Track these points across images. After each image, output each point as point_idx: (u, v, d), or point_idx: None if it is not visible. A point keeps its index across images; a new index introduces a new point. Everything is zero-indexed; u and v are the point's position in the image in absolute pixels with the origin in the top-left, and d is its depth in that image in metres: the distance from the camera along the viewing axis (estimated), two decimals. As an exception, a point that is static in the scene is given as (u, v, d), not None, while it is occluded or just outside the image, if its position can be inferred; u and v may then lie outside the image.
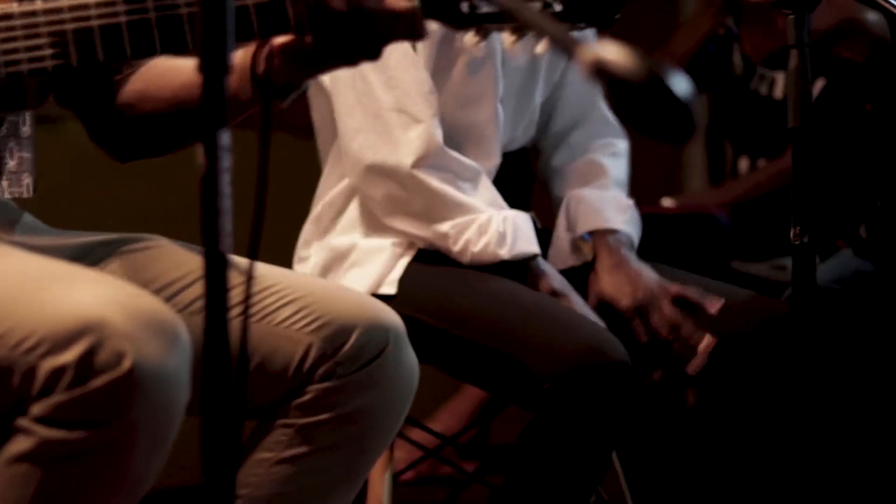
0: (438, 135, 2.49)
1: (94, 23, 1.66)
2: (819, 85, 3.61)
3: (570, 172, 2.71)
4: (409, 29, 1.69)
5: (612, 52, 1.08)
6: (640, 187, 2.83)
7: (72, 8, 1.67)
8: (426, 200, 2.48)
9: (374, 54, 1.72)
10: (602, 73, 1.08)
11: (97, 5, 1.67)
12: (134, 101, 1.94)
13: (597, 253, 2.59)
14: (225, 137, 1.34)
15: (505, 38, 1.66)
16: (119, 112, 1.94)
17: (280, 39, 1.72)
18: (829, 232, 3.57)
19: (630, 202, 2.66)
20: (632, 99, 1.07)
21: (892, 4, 2.11)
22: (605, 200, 2.63)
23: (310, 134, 2.68)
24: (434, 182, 2.47)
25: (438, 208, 2.48)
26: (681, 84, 1.08)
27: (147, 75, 1.94)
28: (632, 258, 2.58)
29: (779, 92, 3.90)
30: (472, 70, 2.53)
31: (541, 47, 1.57)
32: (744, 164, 3.89)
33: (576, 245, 2.62)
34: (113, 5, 1.66)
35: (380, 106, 2.48)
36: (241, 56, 1.75)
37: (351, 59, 1.74)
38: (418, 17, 1.67)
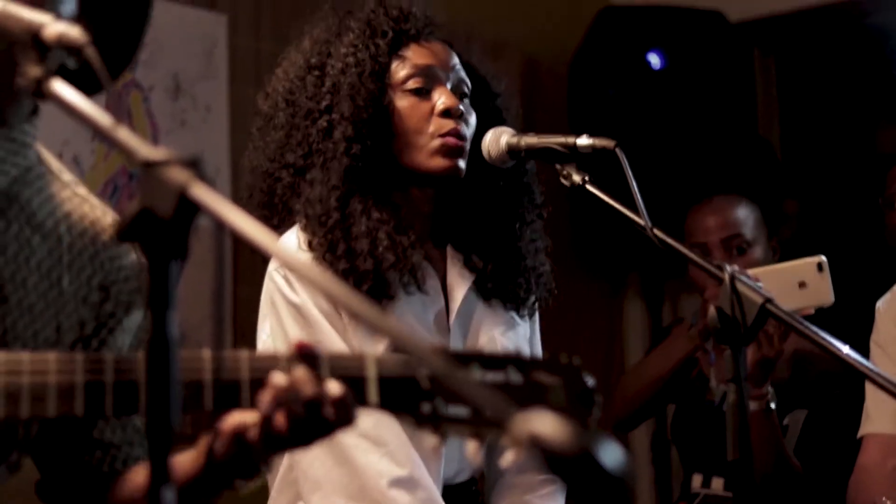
0: (415, 456, 2.51)
1: (52, 378, 1.67)
2: (801, 416, 3.65)
3: None
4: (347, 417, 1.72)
5: (546, 426, 1.11)
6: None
7: (32, 361, 1.68)
8: None
9: (309, 442, 1.74)
10: (536, 445, 1.11)
11: (57, 361, 1.68)
12: None
13: None
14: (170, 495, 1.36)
15: (470, 447, 1.66)
16: None
17: (234, 423, 1.75)
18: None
19: None
20: (564, 470, 1.10)
21: (834, 345, 2.17)
22: None
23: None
24: None
25: None
26: (612, 456, 1.11)
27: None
28: None
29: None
30: None
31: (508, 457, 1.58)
32: (697, 480, 3.89)
33: None
34: (72, 363, 1.67)
35: None
36: (203, 442, 1.79)
37: (297, 445, 1.75)
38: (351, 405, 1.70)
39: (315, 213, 2.58)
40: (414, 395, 1.67)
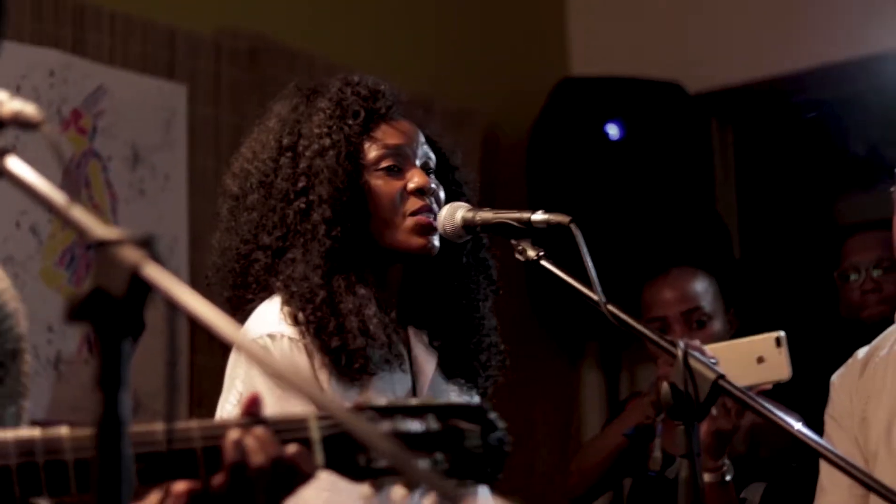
0: None
1: None
2: (759, 489, 3.65)
3: None
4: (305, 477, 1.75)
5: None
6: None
7: None
8: None
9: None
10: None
11: None
12: None
13: None
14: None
15: (395, 491, 1.71)
16: None
17: (184, 487, 1.73)
18: None
19: None
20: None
21: (786, 421, 2.19)
22: None
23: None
24: None
25: None
26: None
27: None
28: None
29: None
30: None
31: (428, 500, 1.62)
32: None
33: None
34: (4, 446, 1.65)
35: None
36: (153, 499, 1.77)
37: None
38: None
39: (300, 290, 2.57)
40: (351, 450, 1.73)
